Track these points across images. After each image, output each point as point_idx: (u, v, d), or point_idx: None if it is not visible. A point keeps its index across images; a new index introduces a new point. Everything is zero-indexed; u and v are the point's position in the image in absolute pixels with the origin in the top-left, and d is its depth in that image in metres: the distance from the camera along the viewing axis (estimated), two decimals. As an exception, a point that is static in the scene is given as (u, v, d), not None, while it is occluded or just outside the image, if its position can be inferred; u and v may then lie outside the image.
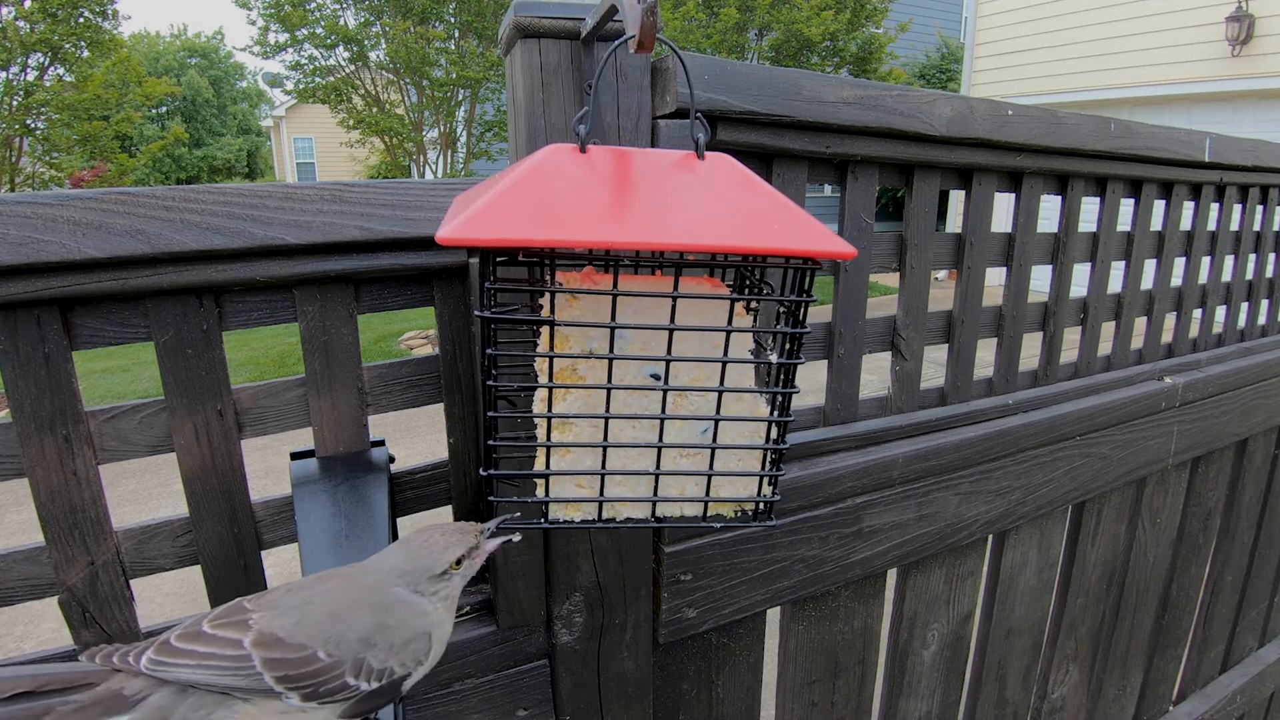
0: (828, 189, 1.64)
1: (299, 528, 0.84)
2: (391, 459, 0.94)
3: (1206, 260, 1.95)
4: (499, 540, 0.72)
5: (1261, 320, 2.20)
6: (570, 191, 0.59)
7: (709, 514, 0.72)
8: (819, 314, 0.80)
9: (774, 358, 0.69)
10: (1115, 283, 1.72)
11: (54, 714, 0.54)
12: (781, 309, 0.70)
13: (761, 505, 0.73)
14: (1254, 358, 1.95)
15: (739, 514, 0.74)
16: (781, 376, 0.69)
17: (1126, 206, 1.67)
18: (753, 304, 0.78)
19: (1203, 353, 1.92)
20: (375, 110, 13.02)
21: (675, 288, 0.64)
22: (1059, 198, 1.53)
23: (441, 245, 0.54)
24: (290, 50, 12.88)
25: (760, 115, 1.00)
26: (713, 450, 0.70)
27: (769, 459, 0.71)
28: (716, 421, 0.69)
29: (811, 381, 1.34)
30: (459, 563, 0.68)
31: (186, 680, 0.58)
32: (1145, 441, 1.67)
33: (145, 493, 5.33)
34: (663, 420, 0.67)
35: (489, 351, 0.66)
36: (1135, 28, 10.02)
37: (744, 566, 1.14)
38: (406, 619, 0.65)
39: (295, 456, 0.92)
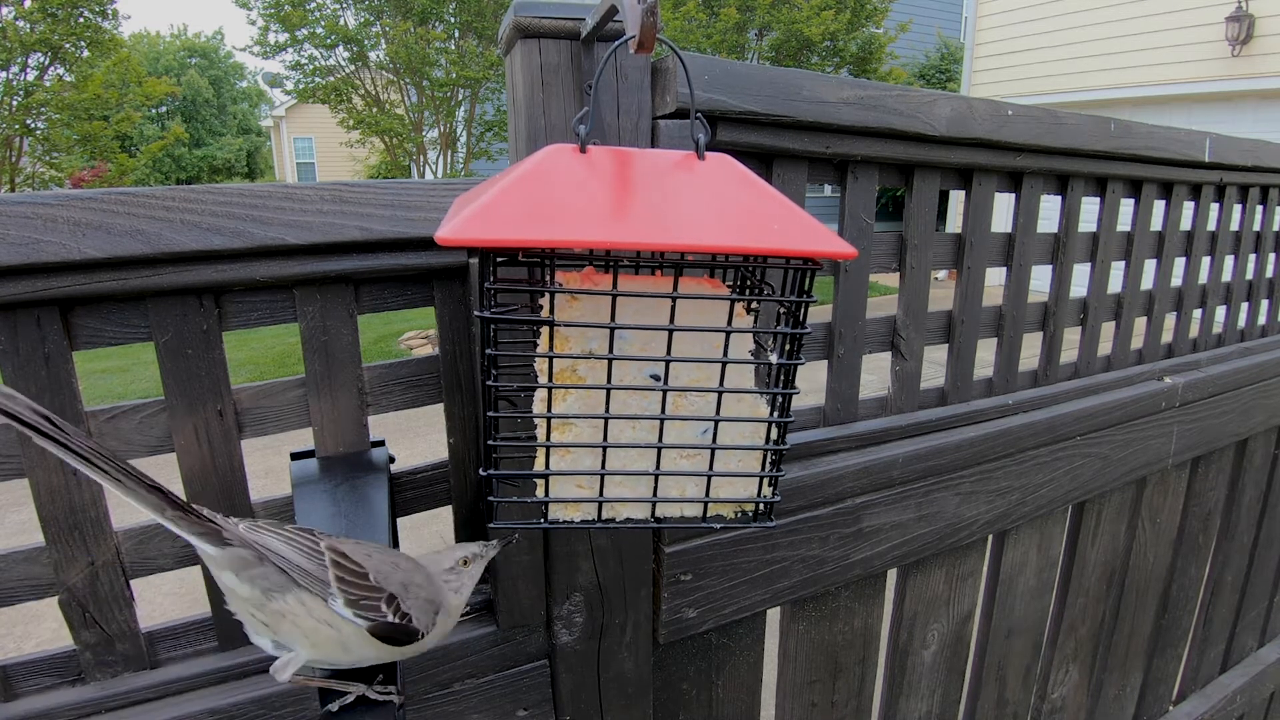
0: (828, 189, 1.64)
1: (299, 528, 0.84)
2: (391, 459, 0.94)
3: (1206, 260, 1.94)
4: (498, 543, 0.87)
5: (1261, 320, 2.20)
6: (570, 191, 0.59)
7: (709, 515, 0.72)
8: (819, 314, 0.80)
9: (774, 358, 0.69)
10: (1115, 283, 1.72)
11: (168, 512, 0.66)
12: (782, 309, 0.70)
13: (762, 506, 0.73)
14: (1254, 358, 1.95)
15: (739, 515, 0.74)
16: (782, 377, 0.69)
17: (1126, 206, 1.67)
18: (753, 304, 0.78)
19: (1203, 353, 1.92)
20: (375, 110, 13.02)
21: (675, 288, 0.64)
22: (1059, 198, 1.53)
23: (441, 245, 0.54)
24: (290, 50, 12.89)
25: (760, 115, 1.00)
26: (713, 451, 0.70)
27: (769, 460, 0.71)
28: (716, 422, 0.69)
29: (811, 381, 1.34)
30: (465, 562, 0.82)
31: (273, 547, 0.69)
32: (1145, 441, 1.67)
33: (145, 493, 5.32)
34: (662, 421, 0.67)
35: (489, 352, 0.66)
36: (1135, 28, 10.02)
37: (744, 566, 1.14)
38: (435, 588, 0.79)
39: (295, 456, 0.92)
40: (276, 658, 0.73)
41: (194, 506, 0.68)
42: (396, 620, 0.73)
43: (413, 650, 0.77)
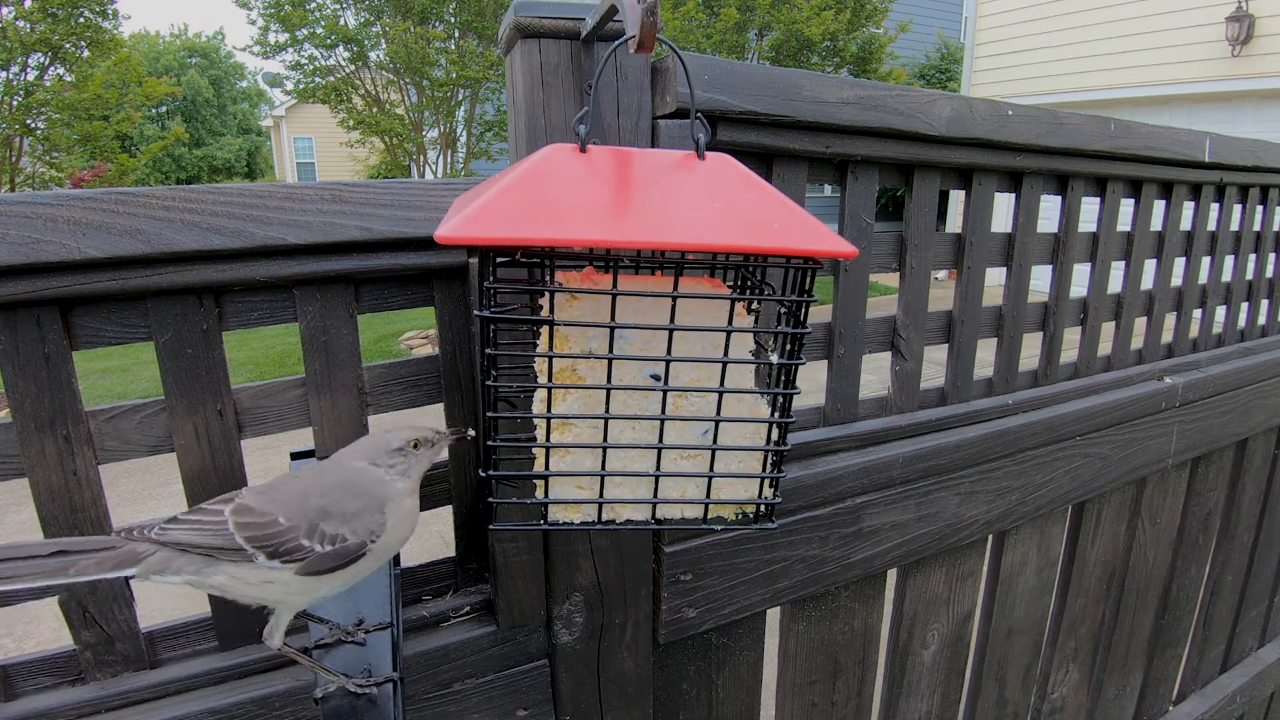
0: (828, 189, 1.64)
1: (299, 528, 0.84)
2: (391, 459, 0.94)
3: (1206, 260, 1.94)
4: (455, 434, 0.84)
5: (1261, 320, 2.20)
6: (570, 191, 0.59)
7: (709, 516, 0.72)
8: (819, 314, 0.80)
9: (775, 358, 0.69)
10: (1115, 283, 1.72)
11: (78, 565, 0.68)
12: (782, 309, 0.70)
13: (763, 508, 0.73)
14: (1254, 358, 1.95)
15: (739, 516, 0.74)
16: (782, 377, 0.69)
17: (1126, 206, 1.67)
18: (753, 304, 0.77)
19: (1203, 353, 1.92)
20: (375, 110, 13.01)
21: (675, 288, 0.64)
22: (1059, 198, 1.53)
23: (441, 244, 0.54)
24: (290, 50, 12.87)
25: (760, 115, 1.00)
26: (713, 452, 0.69)
27: (770, 460, 0.71)
28: (717, 423, 0.69)
29: (811, 381, 1.34)
30: (415, 445, 0.78)
31: (181, 540, 0.71)
32: (1145, 441, 1.67)
33: (145, 493, 5.33)
34: (663, 421, 0.67)
35: (489, 351, 0.66)
36: (1135, 28, 10.01)
37: (744, 566, 1.14)
38: (363, 489, 0.75)
39: (295, 456, 0.92)
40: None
41: (107, 536, 0.70)
42: (326, 548, 0.72)
43: (373, 562, 0.75)
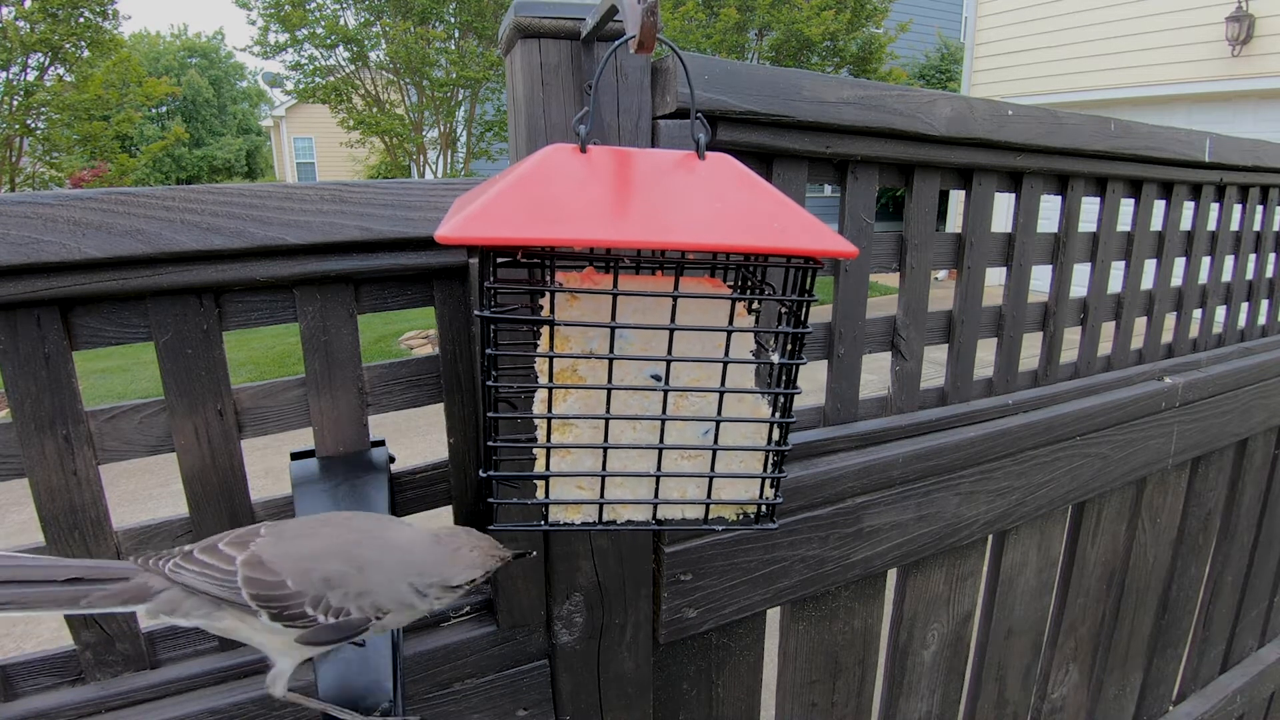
0: (828, 189, 1.64)
1: (299, 528, 0.84)
2: (391, 459, 0.94)
3: (1206, 260, 1.94)
4: (518, 556, 0.78)
5: (1261, 320, 2.20)
6: (570, 191, 0.59)
7: (710, 516, 0.72)
8: (819, 314, 0.80)
9: (775, 358, 0.69)
10: (1115, 283, 1.72)
11: (90, 597, 0.66)
12: (783, 309, 0.70)
13: (764, 508, 0.73)
14: (1254, 358, 1.95)
15: (740, 516, 0.74)
16: (783, 377, 0.69)
17: (1126, 206, 1.67)
18: (754, 304, 0.77)
19: (1203, 353, 1.92)
20: (375, 110, 13.01)
21: (676, 288, 0.64)
22: (1059, 198, 1.53)
23: (441, 244, 0.54)
24: (290, 50, 12.87)
25: (760, 115, 1.00)
26: (714, 452, 0.69)
27: (771, 461, 0.71)
28: (718, 423, 0.68)
29: (812, 381, 1.34)
30: (473, 582, 0.74)
31: (190, 585, 0.69)
32: (1145, 441, 1.67)
33: (145, 493, 5.33)
34: (663, 421, 0.67)
35: (489, 351, 0.66)
36: (1135, 28, 10.02)
37: (744, 566, 1.14)
38: (384, 582, 0.71)
39: (295, 456, 0.92)
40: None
41: (125, 564, 0.69)
42: (330, 620, 0.69)
43: (369, 638, 0.74)
